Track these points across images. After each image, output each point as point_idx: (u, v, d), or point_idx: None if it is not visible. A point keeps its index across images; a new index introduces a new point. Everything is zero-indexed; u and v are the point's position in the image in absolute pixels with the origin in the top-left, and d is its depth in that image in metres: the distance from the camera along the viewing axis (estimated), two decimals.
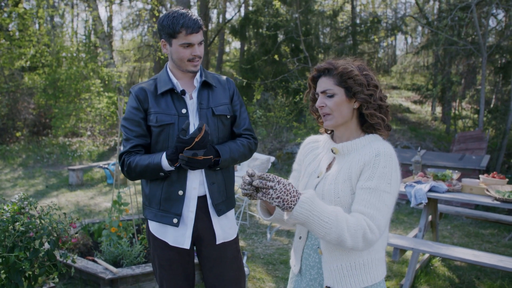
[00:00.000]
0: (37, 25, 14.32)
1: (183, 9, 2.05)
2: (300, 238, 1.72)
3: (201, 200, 2.14)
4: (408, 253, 4.29)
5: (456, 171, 4.03)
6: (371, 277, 1.59)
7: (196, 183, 2.11)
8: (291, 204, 1.38)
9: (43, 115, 12.59)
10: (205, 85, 2.19)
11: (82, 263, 3.78)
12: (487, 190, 3.62)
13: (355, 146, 1.60)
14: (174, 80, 2.13)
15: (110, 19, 24.13)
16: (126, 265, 3.83)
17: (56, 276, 2.61)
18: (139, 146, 2.09)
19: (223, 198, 2.19)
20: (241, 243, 4.93)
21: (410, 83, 15.11)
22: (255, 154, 6.30)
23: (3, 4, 12.27)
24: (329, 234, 1.41)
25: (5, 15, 12.24)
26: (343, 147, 1.62)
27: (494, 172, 3.95)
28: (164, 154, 1.99)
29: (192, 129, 2.11)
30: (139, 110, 2.10)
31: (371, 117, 1.59)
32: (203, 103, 2.14)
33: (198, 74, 2.18)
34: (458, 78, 11.62)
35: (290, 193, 1.38)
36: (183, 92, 2.11)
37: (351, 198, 1.54)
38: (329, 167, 1.68)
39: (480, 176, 3.95)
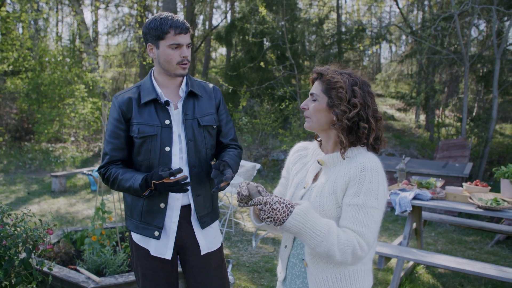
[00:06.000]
0: (20, 29, 14.12)
1: (169, 13, 2.02)
2: (285, 247, 1.72)
3: (185, 209, 2.11)
4: (393, 261, 4.31)
5: (440, 179, 4.07)
6: None
7: (179, 194, 2.07)
8: (282, 220, 1.42)
9: (26, 120, 12.37)
10: (190, 95, 2.13)
11: (63, 272, 3.69)
12: (470, 198, 3.66)
13: (340, 158, 1.59)
14: (158, 90, 2.06)
15: (95, 24, 23.95)
16: (109, 274, 3.76)
17: (34, 286, 2.53)
18: (117, 161, 2.07)
19: (209, 209, 2.16)
20: (226, 251, 4.89)
21: (394, 91, 15.31)
22: (241, 161, 6.30)
23: None
24: (319, 246, 1.44)
25: None
26: (329, 158, 1.62)
27: (477, 180, 4.00)
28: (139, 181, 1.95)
29: (177, 139, 2.07)
30: (120, 122, 2.04)
31: (337, 135, 1.58)
32: (189, 113, 2.09)
33: (184, 83, 2.13)
34: (441, 87, 11.80)
35: (278, 211, 1.42)
36: (167, 103, 2.05)
37: (336, 211, 1.54)
38: (315, 178, 1.67)
39: (464, 184, 3.99)
